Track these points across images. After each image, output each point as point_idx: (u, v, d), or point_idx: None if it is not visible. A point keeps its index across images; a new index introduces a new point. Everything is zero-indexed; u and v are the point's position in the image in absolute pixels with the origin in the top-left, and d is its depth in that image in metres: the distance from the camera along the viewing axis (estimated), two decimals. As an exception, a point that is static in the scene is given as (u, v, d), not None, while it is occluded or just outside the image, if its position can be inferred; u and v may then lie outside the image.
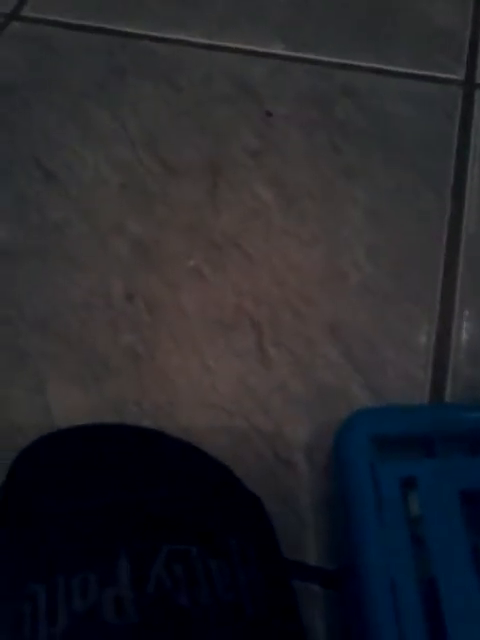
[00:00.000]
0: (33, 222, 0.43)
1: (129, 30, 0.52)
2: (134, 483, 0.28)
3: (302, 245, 0.42)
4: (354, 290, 0.40)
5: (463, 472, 0.28)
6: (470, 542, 0.27)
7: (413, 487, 0.29)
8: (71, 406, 0.36)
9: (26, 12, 0.52)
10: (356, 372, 0.37)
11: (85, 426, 0.33)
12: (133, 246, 0.42)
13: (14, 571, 0.24)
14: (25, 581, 0.24)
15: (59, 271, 0.41)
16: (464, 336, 0.38)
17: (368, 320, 0.39)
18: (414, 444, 0.30)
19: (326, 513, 0.33)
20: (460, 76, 0.49)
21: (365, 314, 0.39)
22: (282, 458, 0.35)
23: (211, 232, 0.42)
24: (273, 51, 0.50)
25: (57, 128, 0.47)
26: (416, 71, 0.49)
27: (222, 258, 0.41)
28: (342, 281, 0.40)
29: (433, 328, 0.39)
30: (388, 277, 0.40)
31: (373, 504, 0.28)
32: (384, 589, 0.26)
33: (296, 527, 0.33)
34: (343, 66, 0.49)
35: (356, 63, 0.49)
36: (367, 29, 0.51)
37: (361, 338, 0.38)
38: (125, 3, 0.53)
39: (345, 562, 0.30)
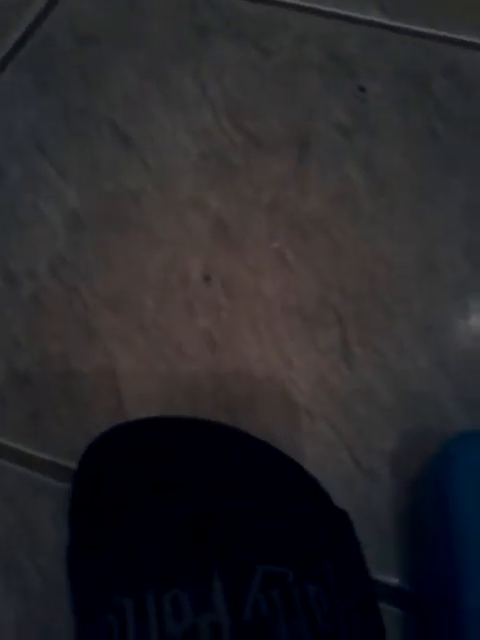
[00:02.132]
0: (107, 189, 0.40)
1: (215, -15, 0.48)
2: (221, 489, 0.26)
3: (393, 236, 0.39)
4: (449, 291, 0.37)
5: None
6: None
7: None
8: (142, 391, 0.34)
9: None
10: (448, 381, 0.34)
11: (160, 418, 0.31)
12: (212, 222, 0.39)
13: (97, 579, 0.23)
14: (110, 592, 0.22)
15: (132, 244, 0.38)
16: None
17: (462, 323, 0.36)
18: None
19: (410, 529, 0.31)
20: None
21: (459, 316, 0.36)
22: (364, 467, 0.32)
23: (296, 213, 0.39)
24: (369, 18, 0.46)
25: (136, 89, 0.44)
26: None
27: (307, 243, 0.38)
28: (436, 280, 0.37)
29: None
30: (487, 279, 0.37)
31: (477, 540, 0.25)
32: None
33: (374, 541, 0.31)
34: (447, 41, 0.45)
35: (462, 38, 0.45)
36: (473, 2, 0.47)
37: (454, 344, 0.35)
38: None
39: (434, 588, 0.28)
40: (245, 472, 0.27)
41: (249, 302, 0.37)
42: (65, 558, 0.26)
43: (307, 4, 0.47)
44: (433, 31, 0.46)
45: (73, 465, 0.30)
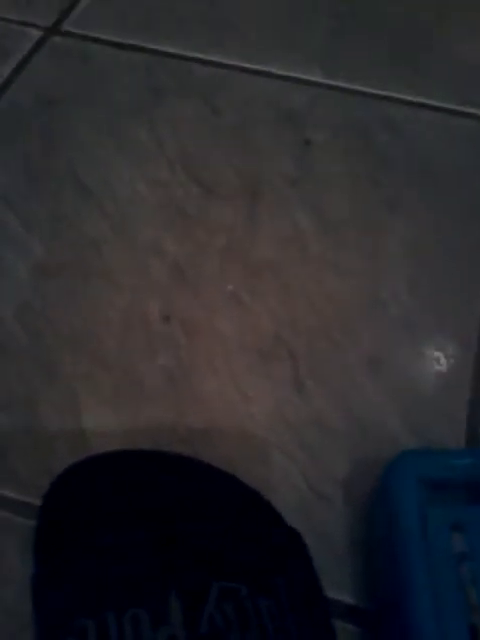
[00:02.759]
0: (69, 238, 0.42)
1: (169, 50, 0.52)
2: (177, 514, 0.28)
3: (340, 274, 0.41)
4: (394, 323, 0.39)
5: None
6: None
7: (460, 531, 0.28)
8: (105, 428, 0.35)
9: (67, 27, 0.52)
10: (394, 407, 0.37)
11: (123, 451, 0.32)
12: (170, 267, 0.41)
13: (60, 604, 0.24)
14: (73, 615, 0.23)
15: (94, 289, 0.40)
16: (501, 375, 0.38)
17: (407, 352, 0.39)
18: (460, 488, 0.30)
19: (360, 549, 0.32)
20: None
21: (404, 346, 0.39)
22: (317, 492, 0.34)
23: (248, 256, 0.42)
24: (312, 78, 0.50)
25: (95, 144, 0.46)
26: (452, 106, 0.49)
27: (260, 284, 0.41)
28: (381, 313, 0.40)
29: (470, 362, 0.38)
30: (428, 311, 0.40)
31: (422, 548, 0.27)
32: (432, 632, 0.26)
33: (329, 562, 0.32)
34: (381, 97, 0.49)
35: (394, 95, 0.49)
36: (405, 61, 0.52)
37: (399, 373, 0.38)
38: (164, 23, 0.53)
39: (385, 603, 0.29)
40: (202, 498, 0.29)
41: (207, 340, 0.39)
42: (30, 588, 0.27)
43: (254, 67, 0.51)
44: (371, 90, 0.50)
45: (39, 502, 0.31)
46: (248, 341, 0.39)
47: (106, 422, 0.36)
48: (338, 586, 0.31)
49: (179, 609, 0.23)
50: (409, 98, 0.49)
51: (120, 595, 0.23)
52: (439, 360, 0.39)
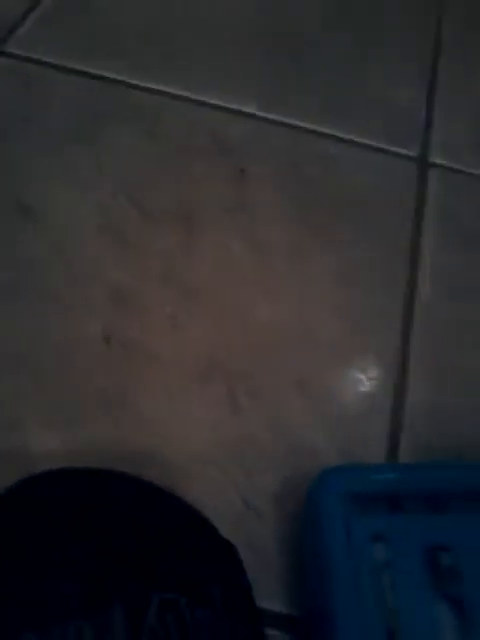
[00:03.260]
0: (10, 259, 0.43)
1: (111, 76, 0.53)
2: (117, 530, 0.29)
3: (272, 299, 0.44)
4: (320, 344, 0.42)
5: (427, 528, 0.31)
6: (432, 594, 0.29)
7: (381, 540, 0.31)
8: (47, 448, 0.36)
9: (10, 48, 0.53)
10: (321, 425, 0.39)
11: (63, 470, 0.33)
12: (110, 288, 0.43)
13: (7, 620, 0.25)
14: (18, 630, 0.24)
15: (35, 310, 0.41)
16: (418, 396, 0.41)
17: (332, 374, 0.41)
18: (381, 499, 0.32)
19: (291, 560, 0.35)
20: (415, 153, 0.54)
21: (330, 368, 0.42)
22: (252, 507, 0.36)
23: (185, 281, 0.44)
24: (249, 111, 0.53)
25: (36, 166, 0.47)
26: (378, 144, 0.53)
27: (196, 307, 0.43)
28: (309, 335, 0.42)
29: (391, 384, 0.42)
30: (352, 333, 0.43)
31: (345, 557, 0.30)
32: (353, 636, 0.28)
33: (263, 573, 0.34)
34: (314, 132, 0.52)
35: (326, 131, 0.52)
36: (338, 100, 0.55)
37: (326, 393, 0.41)
38: (109, 49, 0.55)
39: (313, 609, 0.32)
40: (140, 513, 0.30)
41: (145, 362, 0.40)
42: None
43: (195, 96, 0.53)
44: (305, 124, 0.53)
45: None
46: (185, 363, 0.40)
47: (48, 442, 0.37)
48: (271, 596, 0.34)
49: (122, 621, 0.24)
50: (340, 134, 0.53)
51: (63, 609, 0.25)
52: (363, 382, 0.42)
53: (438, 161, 0.53)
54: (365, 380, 0.42)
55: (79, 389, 0.39)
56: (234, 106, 0.53)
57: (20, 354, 0.39)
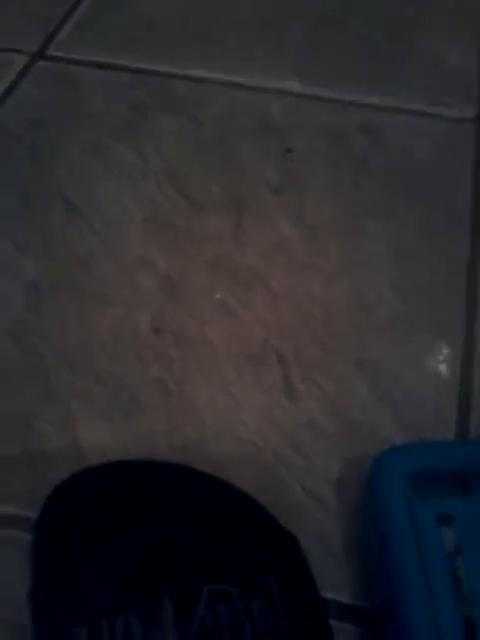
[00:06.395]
0: (59, 256, 0.43)
1: (150, 67, 0.53)
2: (169, 521, 0.28)
3: (326, 279, 0.42)
4: (380, 324, 0.40)
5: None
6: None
7: (449, 524, 0.29)
8: (101, 442, 0.36)
9: (51, 51, 0.54)
10: (384, 406, 0.37)
11: (117, 462, 0.33)
12: (159, 280, 0.42)
13: (55, 614, 0.24)
14: (66, 624, 0.24)
15: (86, 305, 0.41)
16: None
17: (395, 354, 0.39)
18: (448, 480, 0.30)
19: (357, 549, 0.33)
20: (471, 115, 0.50)
21: (392, 348, 0.39)
22: (311, 493, 0.35)
23: (236, 266, 0.43)
24: (290, 88, 0.51)
25: (82, 163, 0.47)
26: (430, 110, 0.50)
27: (247, 292, 0.42)
28: (368, 315, 0.40)
29: (458, 361, 0.39)
30: (413, 311, 0.40)
31: (412, 542, 0.27)
32: (426, 628, 0.26)
33: (327, 563, 0.33)
34: (359, 104, 0.50)
35: (371, 101, 0.50)
36: (381, 67, 0.53)
37: (388, 372, 0.38)
38: (146, 42, 0.55)
39: (382, 600, 0.30)
40: (193, 504, 0.29)
41: (197, 350, 0.39)
42: (28, 600, 0.27)
43: (235, 79, 0.52)
44: (348, 96, 0.51)
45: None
46: (238, 348, 0.39)
47: (102, 436, 0.37)
48: (337, 586, 0.32)
49: (170, 612, 0.24)
50: (387, 103, 0.50)
51: (112, 602, 0.24)
52: (428, 359, 0.39)
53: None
54: (431, 356, 0.39)
55: (131, 382, 0.38)
56: (275, 85, 0.51)
57: (73, 350, 0.39)
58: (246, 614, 0.24)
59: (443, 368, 0.39)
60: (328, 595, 0.31)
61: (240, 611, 0.24)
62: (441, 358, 0.39)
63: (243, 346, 0.39)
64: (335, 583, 0.32)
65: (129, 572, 0.25)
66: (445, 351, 0.39)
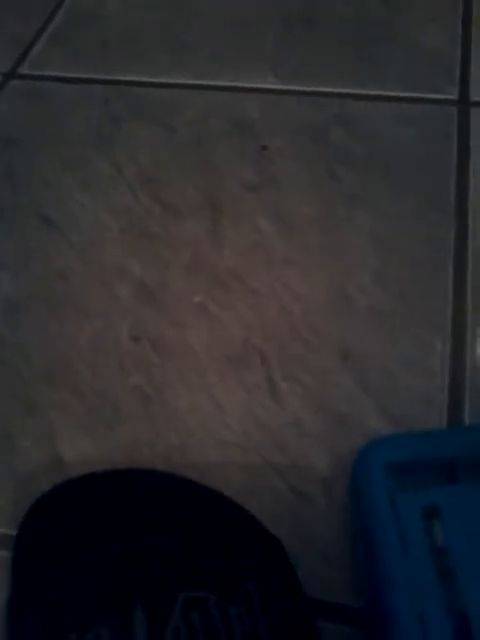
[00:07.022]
0: (36, 270, 0.43)
1: (124, 78, 0.53)
2: (148, 528, 0.27)
3: (306, 274, 0.41)
4: (363, 316, 0.39)
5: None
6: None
7: (436, 516, 0.27)
8: (84, 454, 0.35)
9: (24, 70, 0.54)
10: (371, 400, 0.36)
11: (97, 473, 0.32)
12: (137, 288, 0.41)
13: (28, 630, 0.24)
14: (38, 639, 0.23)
15: (64, 318, 0.41)
16: (479, 354, 0.37)
17: (379, 345, 0.38)
18: (435, 470, 0.29)
19: (348, 548, 0.32)
20: (454, 95, 0.49)
21: (376, 339, 0.38)
22: (299, 492, 0.34)
23: (214, 268, 0.42)
24: (265, 86, 0.51)
25: (57, 177, 0.47)
26: (409, 94, 0.49)
27: (227, 293, 0.41)
28: (350, 307, 0.39)
29: (446, 349, 0.38)
30: (397, 300, 0.39)
31: (396, 536, 0.26)
32: (413, 626, 0.25)
33: (316, 563, 0.31)
34: (335, 95, 0.49)
35: (347, 91, 0.49)
36: (356, 56, 0.52)
37: (374, 364, 0.37)
38: (118, 54, 0.54)
39: (370, 598, 0.29)
40: (174, 511, 0.29)
41: (178, 355, 0.39)
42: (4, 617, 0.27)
43: (208, 82, 0.51)
44: (324, 88, 0.50)
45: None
46: (219, 351, 0.38)
47: (85, 448, 0.36)
48: (327, 588, 0.31)
49: (143, 623, 0.23)
50: (365, 91, 0.49)
51: (83, 615, 0.23)
52: (414, 350, 0.38)
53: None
54: (416, 349, 0.38)
55: (112, 392, 0.38)
56: (249, 84, 0.51)
57: (52, 363, 0.39)
58: (223, 621, 0.23)
59: (430, 358, 0.38)
60: (317, 595, 0.30)
61: (216, 618, 0.23)
62: (428, 348, 0.38)
63: (224, 348, 0.39)
64: (325, 583, 0.31)
65: (104, 582, 0.25)
66: (432, 341, 0.38)
